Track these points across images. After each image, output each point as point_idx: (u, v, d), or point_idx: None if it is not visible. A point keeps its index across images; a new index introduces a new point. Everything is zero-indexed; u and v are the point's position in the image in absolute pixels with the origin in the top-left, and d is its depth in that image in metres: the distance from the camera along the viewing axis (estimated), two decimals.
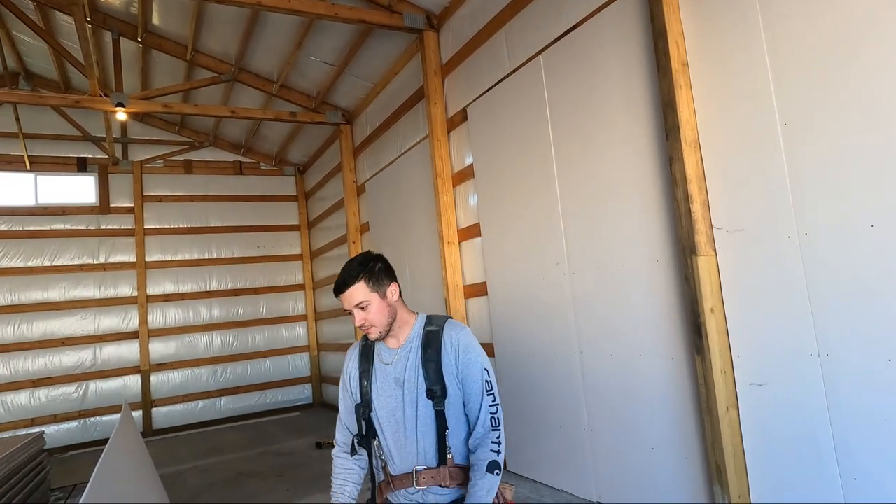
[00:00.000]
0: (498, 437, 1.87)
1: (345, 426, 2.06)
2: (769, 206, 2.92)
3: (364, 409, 1.93)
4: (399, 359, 1.92)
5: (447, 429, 1.86)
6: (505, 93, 4.89)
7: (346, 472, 2.03)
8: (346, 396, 2.05)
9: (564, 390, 4.36)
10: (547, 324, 4.53)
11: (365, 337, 1.98)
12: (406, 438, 1.89)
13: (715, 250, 3.17)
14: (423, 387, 1.87)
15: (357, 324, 1.89)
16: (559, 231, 4.35)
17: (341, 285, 1.89)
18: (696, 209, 3.16)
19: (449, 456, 1.87)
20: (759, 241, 2.97)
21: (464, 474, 1.89)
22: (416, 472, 1.87)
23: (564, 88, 4.24)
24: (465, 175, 5.57)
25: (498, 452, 1.85)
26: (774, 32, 2.88)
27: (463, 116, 5.53)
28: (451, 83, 5.72)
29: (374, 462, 1.97)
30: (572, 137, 4.19)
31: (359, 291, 1.87)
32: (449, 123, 5.77)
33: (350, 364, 2.04)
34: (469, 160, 5.49)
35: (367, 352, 2.00)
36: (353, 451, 1.99)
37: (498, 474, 1.83)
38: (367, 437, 1.94)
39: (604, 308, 3.99)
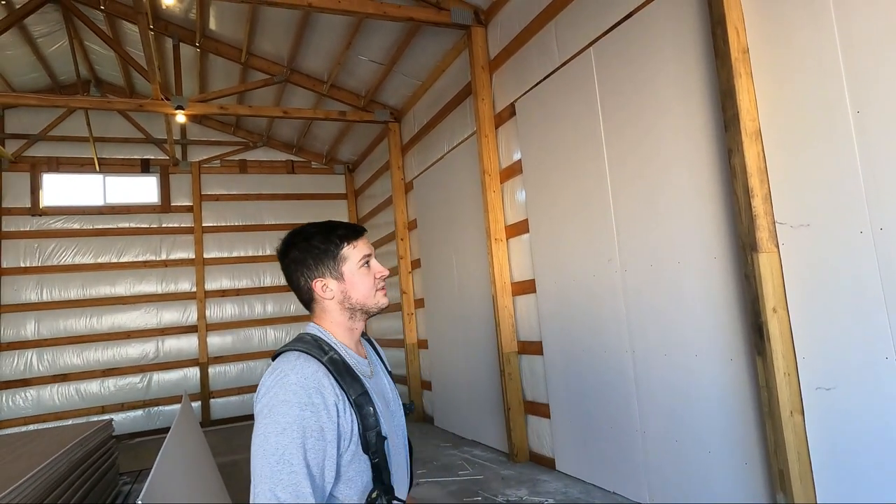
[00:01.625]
0: None
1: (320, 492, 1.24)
2: (839, 200, 2.74)
3: (380, 446, 1.33)
4: (374, 370, 1.51)
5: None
6: (554, 86, 4.81)
7: None
8: (328, 446, 1.23)
9: (616, 390, 4.26)
10: (597, 322, 4.43)
11: (320, 349, 1.36)
12: (403, 469, 1.52)
13: (778, 247, 3.01)
14: (399, 401, 1.58)
15: (385, 275, 1.49)
16: (611, 227, 4.24)
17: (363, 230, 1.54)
18: (757, 203, 3.01)
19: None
20: (828, 236, 2.80)
21: None
22: None
23: (616, 80, 4.12)
24: (512, 171, 5.52)
25: None
26: (845, 9, 2.70)
27: (511, 112, 5.47)
28: (499, 78, 5.67)
29: None
30: (625, 130, 4.07)
31: None
32: (497, 119, 5.72)
33: (328, 394, 1.26)
34: (517, 156, 5.43)
35: (344, 368, 1.35)
36: None
37: None
38: (389, 486, 1.34)
39: (657, 306, 3.86)
